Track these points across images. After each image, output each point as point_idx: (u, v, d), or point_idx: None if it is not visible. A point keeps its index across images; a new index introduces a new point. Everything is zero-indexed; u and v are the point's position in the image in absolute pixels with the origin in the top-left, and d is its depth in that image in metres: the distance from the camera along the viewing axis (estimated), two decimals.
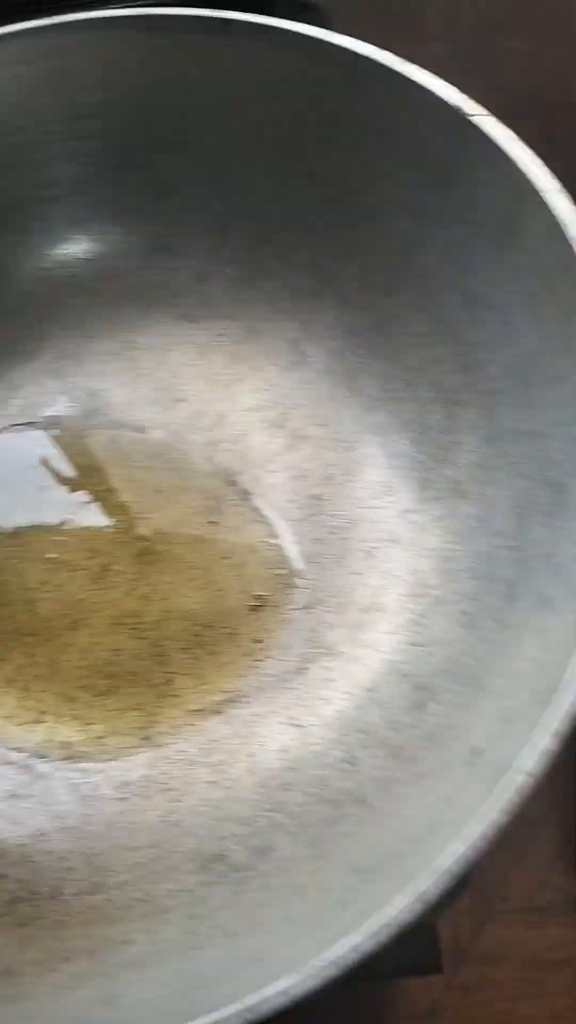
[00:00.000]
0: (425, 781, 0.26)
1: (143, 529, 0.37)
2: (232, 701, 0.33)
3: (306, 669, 0.32)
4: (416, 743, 0.28)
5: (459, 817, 0.22)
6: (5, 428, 0.40)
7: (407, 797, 0.26)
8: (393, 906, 0.20)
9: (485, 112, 0.31)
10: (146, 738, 0.33)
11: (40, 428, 0.40)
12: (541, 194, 0.28)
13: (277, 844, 0.28)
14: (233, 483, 0.37)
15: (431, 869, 0.20)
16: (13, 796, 0.32)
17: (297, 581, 0.35)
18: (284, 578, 0.35)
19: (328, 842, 0.27)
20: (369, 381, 0.36)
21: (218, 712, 0.33)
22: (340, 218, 0.37)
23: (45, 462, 0.39)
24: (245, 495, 0.37)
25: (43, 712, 0.34)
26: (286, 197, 0.37)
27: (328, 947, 0.20)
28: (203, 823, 0.30)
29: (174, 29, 0.35)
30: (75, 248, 0.41)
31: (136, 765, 0.32)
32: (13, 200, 0.40)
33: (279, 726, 0.32)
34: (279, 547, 0.35)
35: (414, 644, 0.31)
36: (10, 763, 0.33)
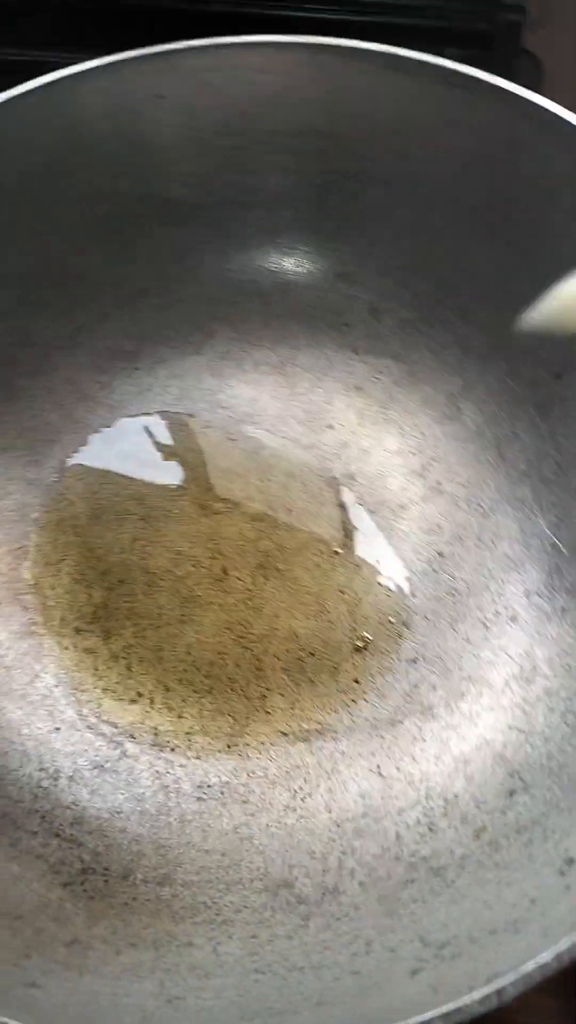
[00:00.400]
0: (508, 872, 0.27)
1: (268, 543, 0.38)
2: (321, 733, 0.34)
3: (399, 722, 0.33)
4: (501, 830, 0.28)
5: (545, 924, 0.23)
6: (159, 411, 0.41)
7: (486, 882, 0.27)
8: (471, 996, 0.21)
9: None
10: (232, 746, 0.34)
11: (190, 420, 0.41)
12: None
13: (346, 889, 0.29)
14: (363, 520, 0.38)
15: (516, 972, 0.21)
16: (99, 767, 0.33)
17: (407, 633, 0.35)
18: (395, 627, 0.36)
19: (398, 903, 0.27)
20: (519, 454, 0.37)
21: (305, 740, 0.34)
22: (529, 288, 0.37)
23: (188, 454, 0.40)
24: (373, 535, 0.37)
25: (140, 694, 0.35)
26: (478, 255, 0.38)
27: (397, 1016, 0.21)
28: (275, 846, 0.31)
29: (414, 72, 0.36)
30: (262, 257, 0.42)
31: (218, 770, 0.33)
32: (215, 199, 0.41)
33: (363, 771, 0.32)
34: (396, 595, 0.36)
35: (515, 729, 0.31)
36: (101, 735, 0.34)
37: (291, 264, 0.42)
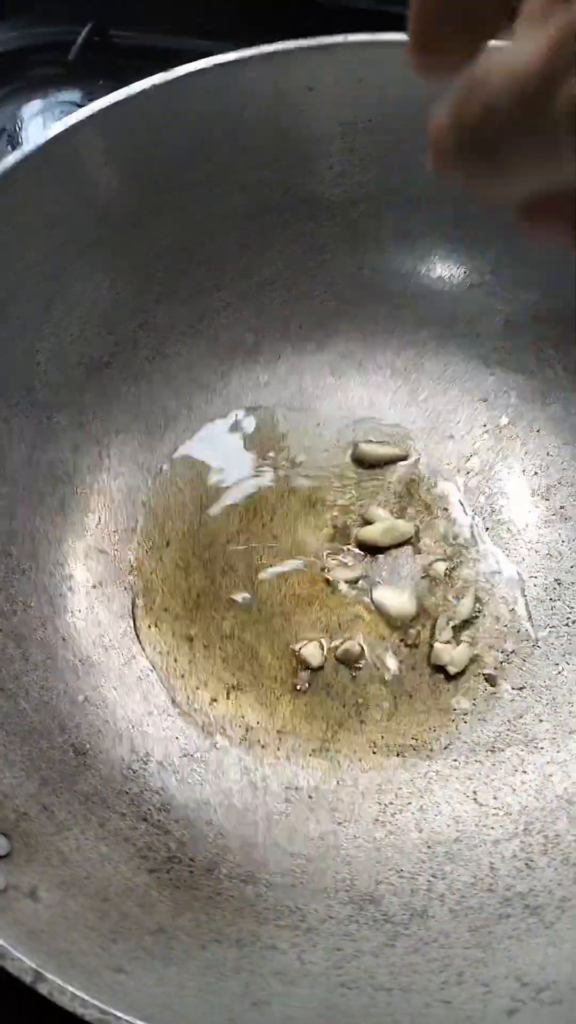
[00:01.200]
0: None
1: (375, 550, 0.37)
2: (416, 750, 0.33)
3: (500, 750, 0.32)
4: None
5: None
6: (275, 406, 0.41)
7: None
8: None
9: None
10: (323, 750, 0.33)
11: (307, 417, 0.40)
12: None
13: (435, 914, 0.28)
14: (480, 537, 0.37)
15: None
16: (188, 756, 0.33)
17: (515, 659, 0.34)
18: (503, 650, 0.34)
19: (492, 937, 0.26)
20: None
21: (399, 755, 0.33)
22: None
23: (301, 452, 0.40)
24: (488, 553, 0.36)
25: (234, 687, 0.35)
26: None
27: None
28: (362, 859, 0.30)
29: None
30: (396, 260, 0.41)
31: (308, 773, 0.33)
32: (356, 195, 0.40)
33: (457, 794, 0.32)
34: (508, 618, 0.35)
35: None
36: (193, 723, 0.34)
37: (425, 269, 0.41)
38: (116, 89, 0.43)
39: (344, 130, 0.39)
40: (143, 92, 0.36)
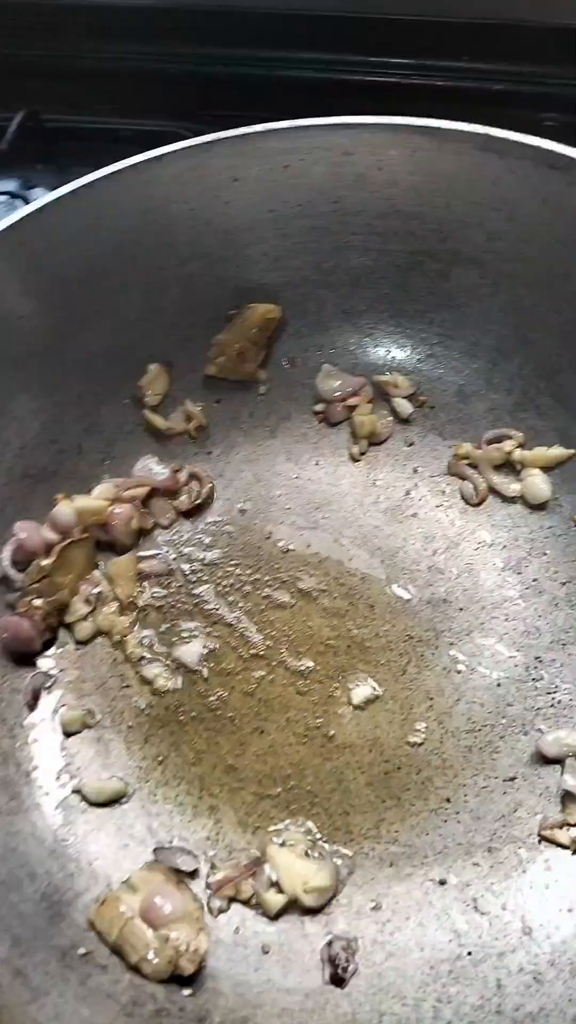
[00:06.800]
0: None
1: (347, 641, 0.36)
2: (409, 857, 0.31)
3: (497, 850, 0.30)
4: None
5: None
6: (232, 498, 0.40)
7: None
8: None
9: None
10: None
11: (266, 506, 0.39)
12: None
13: None
14: (453, 619, 0.35)
15: None
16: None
17: (503, 747, 0.33)
18: (489, 739, 0.33)
19: None
20: None
21: (393, 865, 0.31)
22: None
23: (262, 542, 0.38)
24: (464, 635, 0.35)
25: (212, 808, 0.33)
26: None
27: None
28: (362, 987, 0.28)
29: (511, 153, 0.34)
30: (341, 339, 0.40)
31: None
32: (292, 279, 0.40)
33: (456, 903, 0.30)
34: (491, 703, 0.33)
35: None
36: (173, 850, 0.32)
37: (372, 346, 0.40)
38: (53, 174, 0.42)
39: (274, 216, 0.38)
40: (57, 200, 0.36)
